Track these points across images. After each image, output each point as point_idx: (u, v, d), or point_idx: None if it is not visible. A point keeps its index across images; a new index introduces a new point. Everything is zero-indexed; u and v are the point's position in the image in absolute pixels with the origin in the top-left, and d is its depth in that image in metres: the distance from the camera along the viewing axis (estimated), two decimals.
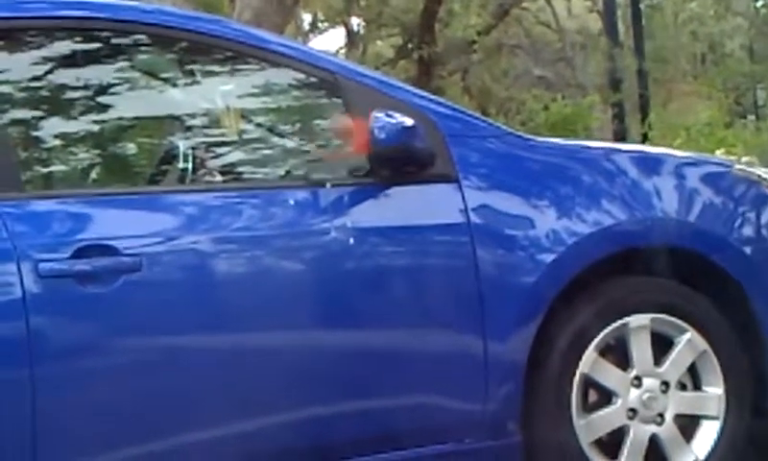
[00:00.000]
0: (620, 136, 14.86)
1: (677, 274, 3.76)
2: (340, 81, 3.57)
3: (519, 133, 3.86)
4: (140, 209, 3.35)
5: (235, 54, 3.58)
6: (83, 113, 3.56)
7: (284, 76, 3.63)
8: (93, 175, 3.65)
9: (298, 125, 3.82)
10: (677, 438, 3.71)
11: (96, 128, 3.58)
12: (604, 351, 3.66)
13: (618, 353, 3.69)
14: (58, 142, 3.51)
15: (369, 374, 3.43)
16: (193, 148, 3.63)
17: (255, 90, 3.69)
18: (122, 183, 3.72)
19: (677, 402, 3.71)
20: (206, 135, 3.70)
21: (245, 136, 3.68)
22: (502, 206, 3.60)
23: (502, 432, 3.54)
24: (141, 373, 3.21)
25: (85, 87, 3.53)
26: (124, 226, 3.26)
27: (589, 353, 3.62)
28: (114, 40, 3.52)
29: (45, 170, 3.52)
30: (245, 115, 3.70)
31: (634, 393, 3.66)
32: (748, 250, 3.85)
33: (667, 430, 3.69)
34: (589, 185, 3.71)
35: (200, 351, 3.27)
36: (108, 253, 3.18)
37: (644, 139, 13.54)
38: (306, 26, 19.81)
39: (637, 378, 3.67)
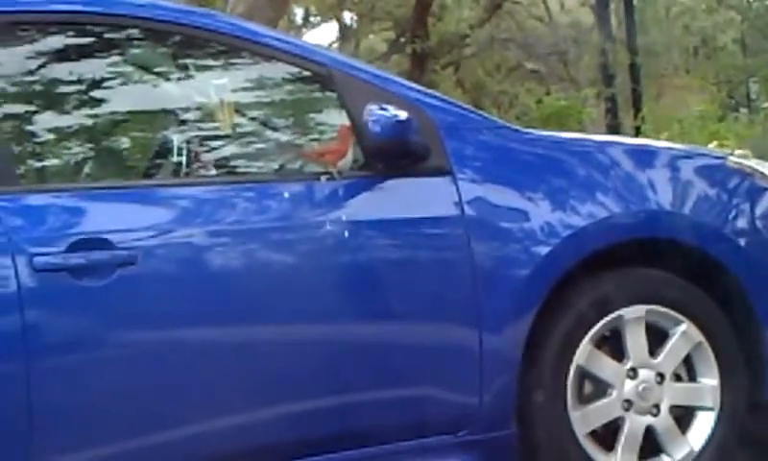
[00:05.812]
0: (613, 130, 14.86)
1: (672, 266, 3.76)
2: (334, 74, 3.56)
3: (513, 126, 3.86)
4: (135, 203, 3.35)
5: (229, 48, 3.58)
6: (76, 108, 3.56)
7: (278, 70, 3.62)
8: (88, 169, 3.64)
9: (291, 119, 3.82)
10: (672, 429, 3.71)
11: (90, 122, 3.58)
12: (599, 343, 3.67)
13: (614, 345, 3.70)
14: (52, 136, 3.51)
15: (363, 366, 3.43)
16: (187, 141, 3.62)
17: (249, 84, 3.69)
18: (116, 177, 3.72)
19: (672, 394, 3.71)
20: (200, 129, 3.69)
21: (239, 130, 3.68)
22: (497, 198, 3.60)
23: (497, 424, 3.54)
24: (136, 366, 3.21)
25: (79, 82, 3.53)
26: (119, 219, 3.26)
27: (585, 345, 3.62)
28: (107, 35, 3.52)
29: (40, 164, 3.52)
30: (239, 109, 3.70)
31: (629, 384, 3.66)
32: (743, 242, 3.85)
33: (663, 421, 3.70)
34: (584, 178, 3.71)
35: (195, 345, 3.27)
36: (103, 246, 3.18)
37: (637, 133, 13.54)
38: (299, 20, 19.82)
39: (633, 370, 3.67)
